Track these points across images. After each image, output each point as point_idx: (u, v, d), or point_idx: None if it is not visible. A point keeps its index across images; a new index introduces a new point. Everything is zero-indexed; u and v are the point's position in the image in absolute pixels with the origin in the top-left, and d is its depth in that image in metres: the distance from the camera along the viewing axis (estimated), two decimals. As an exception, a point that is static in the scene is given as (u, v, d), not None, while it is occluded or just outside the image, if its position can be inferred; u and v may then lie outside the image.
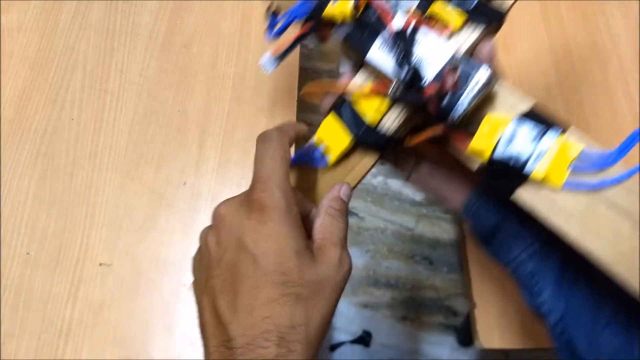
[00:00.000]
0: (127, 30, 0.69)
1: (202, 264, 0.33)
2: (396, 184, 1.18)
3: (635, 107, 0.65)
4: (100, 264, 0.56)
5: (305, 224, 0.33)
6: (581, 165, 0.32)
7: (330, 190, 0.36)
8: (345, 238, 0.34)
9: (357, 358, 1.04)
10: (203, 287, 0.32)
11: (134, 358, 0.52)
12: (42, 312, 0.54)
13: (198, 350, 0.53)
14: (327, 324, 0.31)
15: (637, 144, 0.35)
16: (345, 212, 0.35)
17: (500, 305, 0.56)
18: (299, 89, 0.66)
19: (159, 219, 0.59)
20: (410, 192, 1.18)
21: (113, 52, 0.68)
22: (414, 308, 1.07)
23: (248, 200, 0.32)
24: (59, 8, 0.71)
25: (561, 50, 0.69)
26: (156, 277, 0.56)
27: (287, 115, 0.64)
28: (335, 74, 1.30)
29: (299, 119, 0.65)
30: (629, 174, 0.32)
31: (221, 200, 0.61)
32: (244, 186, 0.61)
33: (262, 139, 0.35)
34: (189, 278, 0.56)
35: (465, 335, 1.01)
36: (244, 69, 0.67)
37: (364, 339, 1.05)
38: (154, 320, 0.54)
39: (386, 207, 1.16)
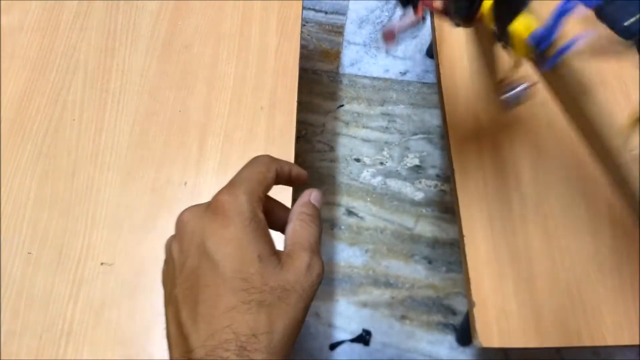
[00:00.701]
0: (128, 31, 0.70)
1: (168, 274, 0.33)
2: (396, 184, 1.18)
3: (633, 107, 0.66)
4: (102, 264, 0.56)
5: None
6: None
7: (301, 196, 0.35)
8: (317, 243, 0.33)
9: (356, 357, 1.04)
10: (168, 297, 0.32)
11: (134, 358, 0.52)
12: (43, 311, 0.54)
13: (199, 350, 0.53)
14: (294, 332, 0.30)
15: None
16: (317, 217, 0.34)
17: (499, 305, 0.57)
18: (299, 89, 0.66)
19: (159, 219, 0.59)
20: (409, 192, 1.18)
21: (114, 53, 0.68)
22: (413, 307, 1.08)
23: (212, 204, 0.32)
24: (60, 8, 0.71)
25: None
26: (157, 277, 0.56)
27: (287, 115, 0.65)
28: (335, 74, 1.30)
29: (299, 119, 0.65)
30: None
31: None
32: (245, 186, 0.61)
33: (254, 158, 0.35)
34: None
35: (465, 334, 1.01)
36: (244, 70, 0.68)
37: (363, 338, 1.05)
38: (155, 319, 0.54)
39: (385, 207, 1.17)
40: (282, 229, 0.34)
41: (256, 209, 0.31)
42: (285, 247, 0.33)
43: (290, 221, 0.34)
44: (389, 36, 0.48)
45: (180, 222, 0.33)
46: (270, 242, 0.31)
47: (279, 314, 0.29)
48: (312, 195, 0.35)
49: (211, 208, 0.31)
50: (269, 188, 0.34)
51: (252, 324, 0.28)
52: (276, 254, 0.31)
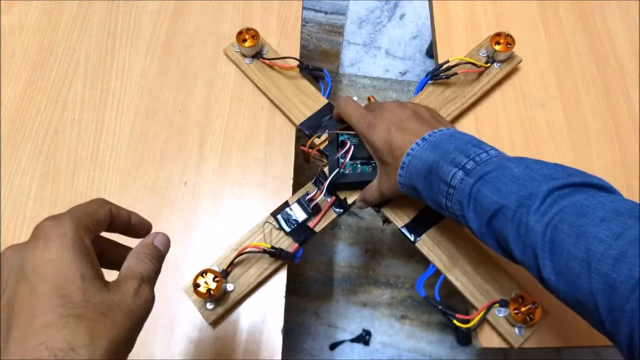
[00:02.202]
0: (128, 31, 0.70)
1: None
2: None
3: (633, 107, 0.66)
4: (102, 264, 0.56)
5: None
6: None
7: (144, 238, 0.37)
8: (150, 277, 0.34)
9: (356, 357, 1.04)
10: None
11: (135, 357, 0.53)
12: (44, 311, 0.54)
13: (199, 349, 0.54)
14: (121, 350, 0.30)
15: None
16: (157, 256, 0.35)
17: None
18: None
19: (159, 219, 0.59)
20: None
21: (114, 53, 0.68)
22: (413, 307, 1.08)
23: (34, 231, 0.31)
24: (61, 9, 0.71)
25: (560, 52, 0.69)
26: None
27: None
28: (335, 74, 1.30)
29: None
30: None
31: (222, 199, 0.62)
32: (244, 186, 0.61)
33: (96, 200, 0.35)
34: (189, 276, 0.56)
35: (464, 334, 1.01)
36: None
37: (363, 338, 1.06)
38: (155, 319, 0.54)
39: (386, 207, 1.17)
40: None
41: (82, 235, 0.31)
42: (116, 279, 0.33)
43: (127, 259, 0.35)
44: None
45: (0, 259, 0.31)
46: (96, 267, 0.31)
47: (102, 329, 0.28)
48: (156, 237, 0.37)
49: (32, 235, 0.31)
50: (100, 224, 0.34)
51: (70, 338, 0.27)
52: (102, 278, 0.31)
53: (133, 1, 0.72)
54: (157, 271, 0.35)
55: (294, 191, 0.61)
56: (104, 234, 0.36)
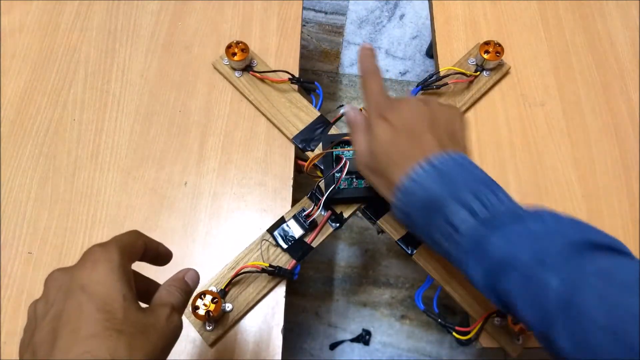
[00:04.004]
0: (128, 31, 0.70)
1: (27, 333, 0.34)
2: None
3: (633, 107, 0.66)
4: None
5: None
6: None
7: (176, 273, 0.40)
8: (180, 306, 0.37)
9: (356, 356, 1.04)
10: (25, 348, 0.32)
11: (135, 357, 0.53)
12: (44, 311, 0.54)
13: (199, 349, 0.54)
14: None
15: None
16: (186, 291, 0.39)
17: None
18: (299, 90, 0.66)
19: (160, 219, 0.59)
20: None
21: (114, 53, 0.68)
22: (413, 307, 1.08)
23: (83, 255, 0.34)
24: (61, 9, 0.71)
25: (560, 52, 0.69)
26: (157, 277, 0.56)
27: (287, 115, 0.65)
28: (335, 74, 1.30)
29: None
30: None
31: (222, 199, 0.62)
32: (245, 186, 0.61)
33: (134, 232, 0.39)
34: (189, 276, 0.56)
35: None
36: (245, 70, 0.68)
37: (363, 338, 1.06)
38: (155, 319, 0.54)
39: (386, 207, 1.17)
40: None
41: (125, 261, 0.34)
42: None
43: (159, 290, 0.38)
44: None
45: (48, 280, 0.35)
46: (134, 290, 0.34)
47: (139, 345, 0.31)
48: (187, 274, 0.40)
49: (82, 258, 0.34)
50: (138, 254, 0.37)
51: (112, 349, 0.30)
52: (138, 302, 0.34)
53: (133, 1, 0.72)
54: (185, 303, 0.38)
55: (294, 191, 0.61)
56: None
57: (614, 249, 0.37)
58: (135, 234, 0.38)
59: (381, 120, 0.47)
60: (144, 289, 0.39)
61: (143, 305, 0.35)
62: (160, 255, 0.41)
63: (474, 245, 0.40)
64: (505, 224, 0.40)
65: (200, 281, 0.55)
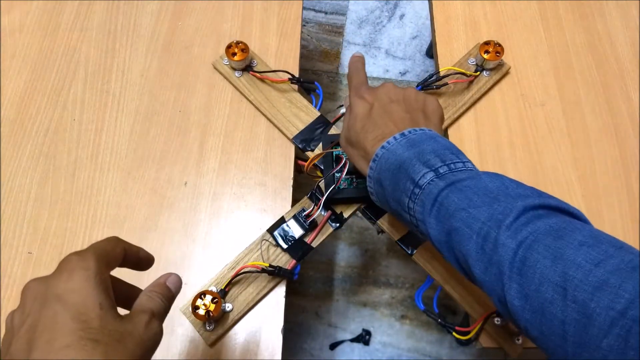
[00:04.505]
0: (128, 31, 0.70)
1: (4, 343, 0.33)
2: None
3: (633, 107, 0.66)
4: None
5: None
6: None
7: (157, 278, 0.40)
8: (160, 314, 0.36)
9: (356, 356, 1.04)
10: (4, 359, 0.32)
11: (135, 357, 0.53)
12: (44, 311, 0.54)
13: (199, 349, 0.54)
14: None
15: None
16: (167, 296, 0.38)
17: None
18: (299, 90, 0.66)
19: (160, 219, 0.59)
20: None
21: (114, 53, 0.68)
22: (413, 307, 1.08)
23: (60, 265, 0.34)
24: (61, 9, 0.71)
25: (560, 52, 0.69)
26: (157, 277, 0.56)
27: (287, 115, 0.65)
28: (335, 74, 1.30)
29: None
30: None
31: (222, 199, 0.62)
32: (245, 186, 0.61)
33: (113, 239, 0.38)
34: (189, 276, 0.56)
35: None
36: (245, 70, 0.68)
37: (363, 338, 1.06)
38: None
39: (386, 207, 1.17)
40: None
41: (102, 269, 0.34)
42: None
43: (140, 296, 0.37)
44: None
45: (24, 290, 0.34)
46: (112, 298, 0.34)
47: (115, 354, 0.31)
48: (169, 278, 0.40)
49: (58, 267, 0.34)
50: (116, 261, 0.37)
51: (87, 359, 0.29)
52: (116, 309, 0.34)
53: (133, 1, 0.72)
54: (166, 309, 0.38)
55: (294, 191, 0.61)
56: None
57: (572, 214, 0.38)
58: (114, 241, 0.37)
59: (359, 98, 0.52)
60: (126, 295, 0.39)
61: (124, 312, 0.35)
62: (141, 260, 0.40)
63: (433, 201, 0.41)
64: (464, 180, 0.41)
65: (200, 281, 0.55)
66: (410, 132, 0.47)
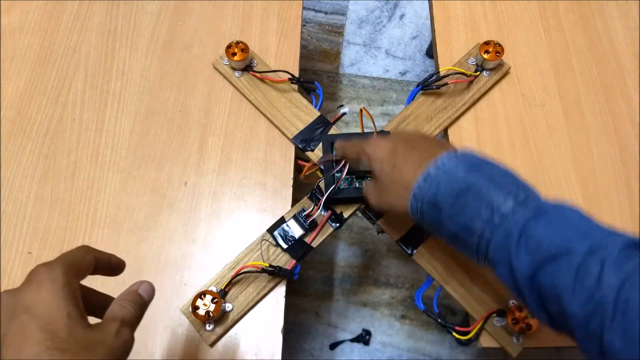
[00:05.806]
0: (128, 32, 0.70)
1: None
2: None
3: (633, 107, 0.66)
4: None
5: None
6: None
7: (130, 285, 0.40)
8: (131, 322, 0.36)
9: (356, 356, 1.04)
10: None
11: (135, 357, 0.52)
12: (44, 311, 0.54)
13: (199, 350, 0.54)
14: None
15: None
16: (139, 303, 0.38)
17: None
18: (299, 90, 0.66)
19: (160, 219, 0.59)
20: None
21: (114, 53, 0.68)
22: (413, 307, 1.08)
23: (28, 276, 0.34)
24: (61, 9, 0.71)
25: (560, 52, 0.69)
26: (157, 276, 0.56)
27: (287, 115, 0.65)
28: (334, 74, 1.30)
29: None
30: None
31: (222, 199, 0.62)
32: (245, 186, 0.61)
33: (82, 248, 0.38)
34: (189, 276, 0.56)
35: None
36: (245, 70, 0.68)
37: (363, 338, 1.06)
38: (156, 319, 0.54)
39: (386, 207, 1.17)
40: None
41: (71, 279, 0.34)
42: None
43: (111, 305, 0.37)
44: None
45: None
46: (81, 308, 0.34)
47: None
48: (141, 286, 0.39)
49: (26, 279, 0.34)
50: (86, 270, 0.37)
51: None
52: (86, 318, 0.34)
53: (133, 1, 0.72)
54: (138, 317, 0.38)
55: (294, 191, 0.61)
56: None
57: None
58: (84, 250, 0.38)
59: (374, 146, 0.50)
60: (100, 304, 0.39)
61: (97, 321, 0.35)
62: (112, 267, 0.41)
63: (519, 233, 0.39)
64: (547, 209, 0.39)
65: (200, 281, 0.55)
66: (460, 153, 0.44)
